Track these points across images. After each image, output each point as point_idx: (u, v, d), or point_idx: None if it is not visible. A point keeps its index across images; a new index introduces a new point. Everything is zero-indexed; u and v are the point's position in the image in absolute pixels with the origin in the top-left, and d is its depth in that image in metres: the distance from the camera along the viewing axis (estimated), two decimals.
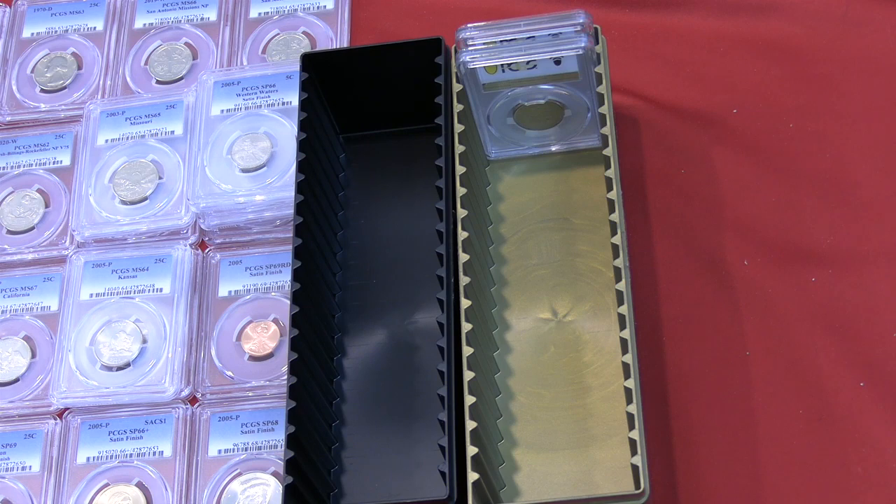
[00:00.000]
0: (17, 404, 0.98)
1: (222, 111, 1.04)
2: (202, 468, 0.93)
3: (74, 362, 0.97)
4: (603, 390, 0.89)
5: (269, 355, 0.97)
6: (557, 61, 0.91)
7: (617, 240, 0.87)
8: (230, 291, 0.99)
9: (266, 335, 0.97)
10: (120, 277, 1.00)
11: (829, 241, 0.94)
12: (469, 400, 0.83)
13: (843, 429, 0.88)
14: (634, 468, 0.81)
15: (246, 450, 0.94)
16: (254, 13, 1.11)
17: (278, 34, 1.10)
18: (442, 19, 1.08)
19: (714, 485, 0.88)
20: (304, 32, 1.09)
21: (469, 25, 0.91)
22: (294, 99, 1.04)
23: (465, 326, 0.86)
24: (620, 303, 0.86)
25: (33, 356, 0.99)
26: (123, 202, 1.03)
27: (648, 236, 0.96)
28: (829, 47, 1.02)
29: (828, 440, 0.88)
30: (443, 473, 0.83)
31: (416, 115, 0.99)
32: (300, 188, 0.92)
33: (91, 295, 1.00)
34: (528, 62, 0.91)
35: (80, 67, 1.11)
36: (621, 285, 0.86)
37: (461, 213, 0.90)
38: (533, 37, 0.90)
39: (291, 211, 0.94)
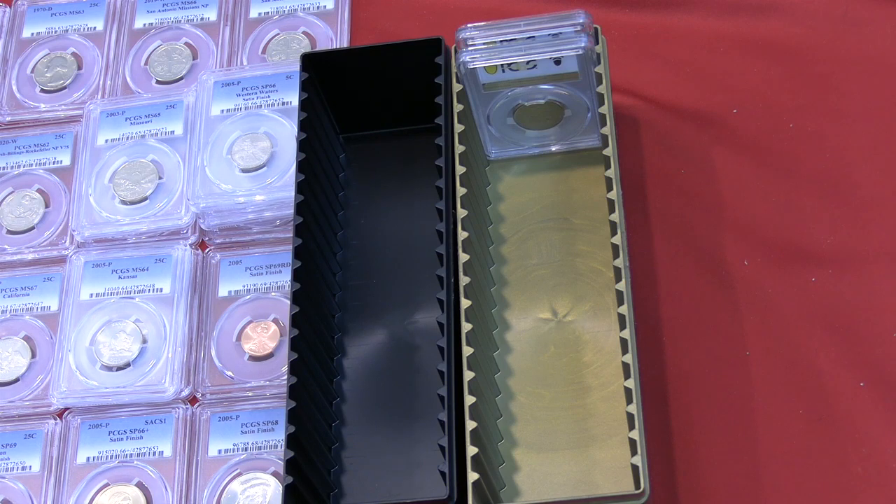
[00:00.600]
0: (17, 404, 0.98)
1: (222, 111, 1.04)
2: (202, 468, 0.93)
3: (74, 362, 0.97)
4: (603, 390, 0.89)
5: (269, 355, 0.97)
6: (557, 61, 0.91)
7: (617, 240, 0.87)
8: (230, 291, 0.99)
9: (266, 335, 0.97)
10: (120, 277, 1.00)
11: (829, 241, 0.94)
12: (469, 400, 0.83)
13: (843, 429, 0.88)
14: (634, 468, 0.81)
15: (246, 450, 0.94)
16: (254, 13, 1.11)
17: (278, 34, 1.10)
18: (442, 19, 1.08)
19: (714, 485, 0.88)
20: (304, 32, 1.09)
21: (469, 25, 0.91)
22: (294, 99, 1.04)
23: (465, 326, 0.86)
24: (620, 303, 0.86)
25: (33, 356, 0.99)
26: (123, 202, 1.03)
27: (648, 236, 0.96)
28: (829, 47, 1.02)
29: (828, 440, 0.88)
30: (443, 473, 0.83)
31: (416, 115, 0.99)
32: (300, 188, 0.92)
33: (91, 295, 1.00)
34: (528, 62, 0.91)
35: (80, 67, 1.11)
36: (621, 285, 0.86)
37: (461, 213, 0.90)
38: (533, 37, 0.90)
39: (291, 211, 0.94)
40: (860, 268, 0.93)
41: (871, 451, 0.87)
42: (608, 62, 0.94)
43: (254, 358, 0.97)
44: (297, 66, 1.01)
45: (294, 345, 0.87)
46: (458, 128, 0.93)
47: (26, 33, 1.13)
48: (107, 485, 0.94)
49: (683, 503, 0.87)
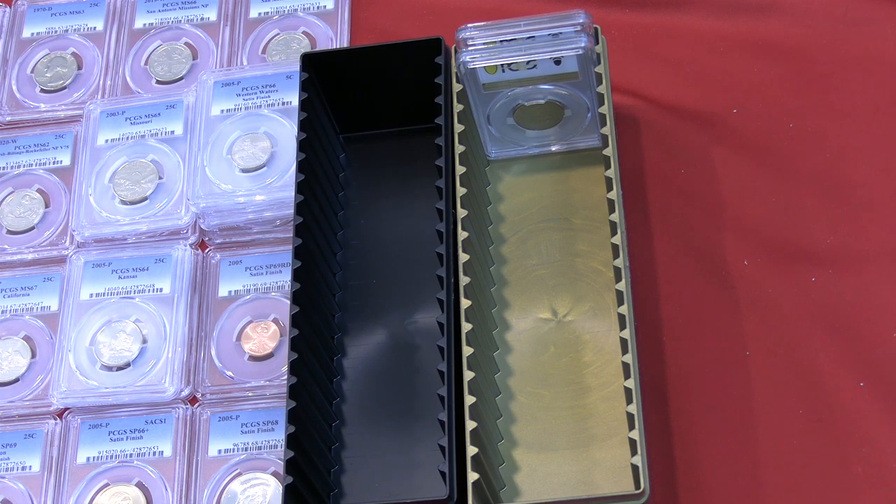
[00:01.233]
0: (17, 404, 0.98)
1: (222, 111, 1.04)
2: (202, 468, 0.93)
3: (74, 362, 0.97)
4: (603, 390, 0.89)
5: (269, 355, 0.97)
6: (557, 61, 0.91)
7: (617, 240, 0.87)
8: (230, 291, 0.99)
9: (266, 335, 0.97)
10: (120, 277, 1.00)
11: (829, 241, 0.94)
12: (469, 400, 0.83)
13: (843, 429, 0.88)
14: (634, 468, 0.81)
15: (246, 450, 0.94)
16: (254, 13, 1.11)
17: (278, 34, 1.10)
18: (442, 19, 1.08)
19: (714, 485, 0.88)
20: (304, 32, 1.09)
21: (469, 25, 0.91)
22: (294, 99, 1.04)
23: (465, 326, 0.86)
24: (620, 303, 0.86)
25: (33, 356, 0.99)
26: (123, 202, 1.03)
27: (648, 236, 0.96)
28: (829, 47, 1.02)
29: (828, 440, 0.88)
30: (443, 473, 0.83)
31: (416, 115, 0.99)
32: (300, 188, 0.92)
33: (91, 295, 1.00)
34: (528, 62, 0.91)
35: (80, 67, 1.11)
36: (621, 285, 0.86)
37: (461, 213, 0.90)
38: (533, 37, 0.90)
39: (291, 211, 0.94)
40: (860, 268, 0.93)
41: (871, 451, 0.87)
42: (608, 62, 0.94)
43: (254, 358, 0.97)
44: (297, 66, 1.01)
45: (294, 345, 0.87)
46: (458, 128, 0.93)
47: (26, 33, 1.13)
48: (107, 485, 0.94)
49: (683, 503, 0.87)
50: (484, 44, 0.90)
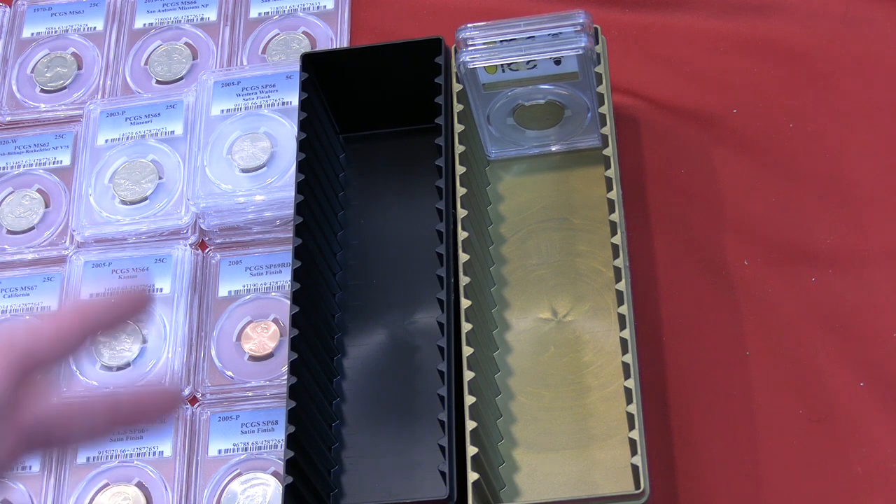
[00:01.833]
0: None
1: (222, 111, 1.04)
2: (202, 468, 0.93)
3: (74, 362, 0.97)
4: (603, 390, 0.89)
5: (269, 355, 0.97)
6: (557, 61, 0.91)
7: (617, 240, 0.87)
8: (230, 291, 0.99)
9: (266, 335, 0.97)
10: (120, 278, 1.00)
11: (829, 241, 0.94)
12: (469, 400, 0.83)
13: (843, 429, 0.88)
14: (634, 468, 0.81)
15: (246, 450, 0.94)
16: (254, 13, 1.11)
17: (278, 34, 1.10)
18: (442, 19, 1.08)
19: (714, 485, 0.87)
20: (304, 32, 1.09)
21: (469, 25, 0.91)
22: (294, 99, 1.04)
23: (465, 326, 0.86)
24: (620, 303, 0.86)
25: None
26: (123, 202, 1.03)
27: (648, 236, 0.96)
28: (829, 47, 1.02)
29: (828, 440, 0.88)
30: (443, 473, 0.83)
31: (416, 115, 0.99)
32: (300, 188, 0.92)
33: (91, 295, 1.00)
34: (528, 62, 0.91)
35: (80, 67, 1.11)
36: (621, 285, 0.86)
37: (461, 213, 0.90)
38: (533, 37, 0.90)
39: (291, 211, 0.94)
40: (860, 268, 0.93)
41: (871, 451, 0.87)
42: (608, 62, 0.94)
43: (254, 358, 0.97)
44: (297, 66, 1.01)
45: (294, 345, 0.87)
46: (458, 128, 0.93)
47: (26, 33, 1.13)
48: (107, 485, 0.94)
49: (683, 503, 0.87)
50: (484, 44, 0.90)
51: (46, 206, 1.05)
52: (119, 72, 1.10)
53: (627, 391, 0.83)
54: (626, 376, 0.83)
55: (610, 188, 0.89)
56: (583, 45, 0.89)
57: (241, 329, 0.98)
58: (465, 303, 0.86)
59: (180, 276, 1.00)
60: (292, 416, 0.85)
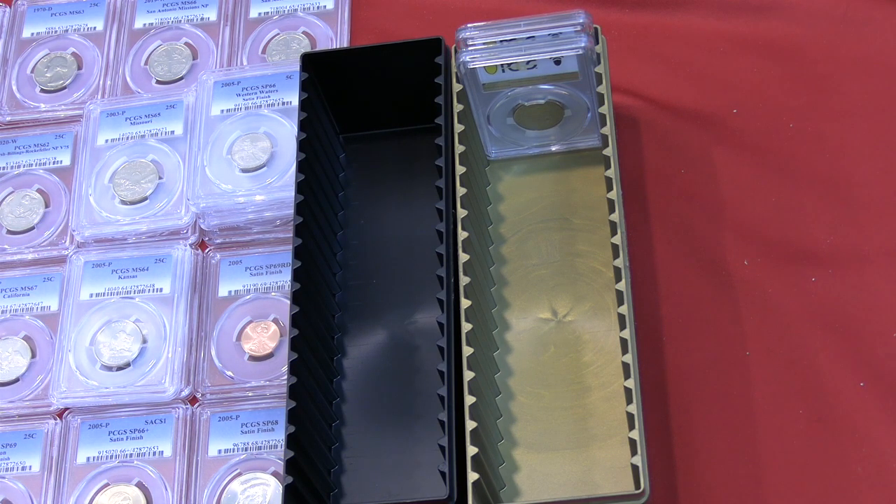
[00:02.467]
0: (17, 404, 0.98)
1: (222, 111, 1.04)
2: (202, 468, 0.93)
3: (74, 362, 0.97)
4: (603, 390, 0.89)
5: (269, 355, 0.97)
6: (557, 61, 0.91)
7: (617, 240, 0.87)
8: (230, 291, 0.99)
9: (266, 335, 0.97)
10: (120, 277, 1.00)
11: (829, 241, 0.94)
12: (469, 400, 0.83)
13: (843, 429, 0.88)
14: (634, 468, 0.81)
15: (246, 450, 0.94)
16: (254, 13, 1.11)
17: (278, 34, 1.10)
18: (442, 19, 1.08)
19: (714, 485, 0.88)
20: (304, 32, 1.09)
21: (469, 25, 0.91)
22: (294, 99, 1.04)
23: (465, 326, 0.86)
24: (620, 303, 0.86)
25: (33, 356, 0.99)
26: (123, 202, 1.03)
27: (648, 236, 0.96)
28: (829, 47, 1.02)
29: (828, 440, 0.88)
30: (443, 473, 0.83)
31: (416, 115, 0.99)
32: (300, 188, 0.92)
33: (91, 295, 1.00)
34: (528, 62, 0.91)
35: (80, 67, 1.11)
36: (621, 285, 0.86)
37: (461, 213, 0.90)
38: (533, 37, 0.90)
39: (291, 211, 0.94)
40: (860, 268, 0.93)
41: (871, 451, 0.87)
42: (608, 62, 0.94)
43: (254, 358, 0.97)
44: (297, 66, 1.01)
45: (294, 345, 0.87)
46: (458, 128, 0.93)
47: (26, 33, 1.13)
48: (107, 485, 0.94)
49: (683, 503, 0.87)
50: (484, 44, 0.90)
51: (46, 206, 1.05)
52: (119, 72, 1.10)
53: (627, 391, 0.83)
54: (626, 376, 0.83)
55: (610, 188, 0.89)
56: (583, 45, 0.89)
57: (241, 329, 0.98)
58: (465, 303, 0.86)
59: (180, 276, 1.00)
60: (292, 416, 0.85)
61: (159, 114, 1.06)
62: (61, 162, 1.07)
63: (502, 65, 0.91)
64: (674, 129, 1.00)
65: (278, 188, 1.00)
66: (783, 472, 0.87)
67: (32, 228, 1.04)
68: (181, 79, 1.09)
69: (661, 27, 1.05)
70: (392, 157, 1.01)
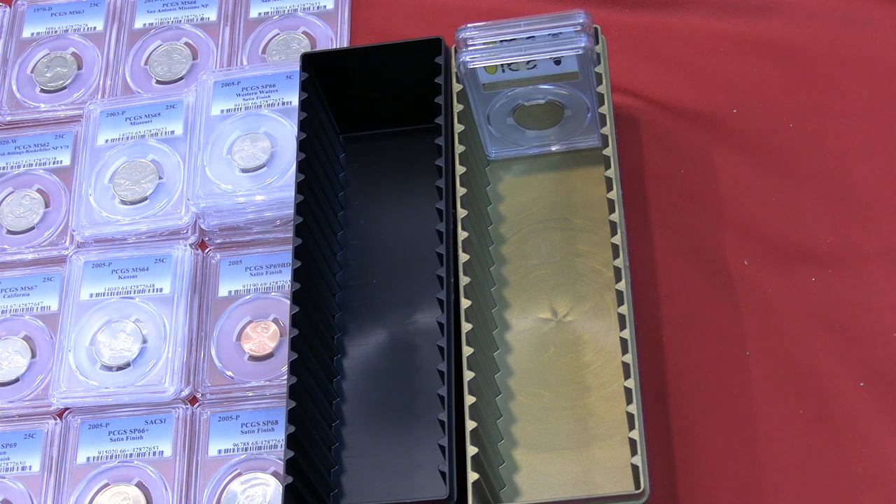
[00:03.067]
0: (17, 404, 0.98)
1: (222, 111, 1.04)
2: (202, 468, 0.93)
3: (74, 362, 0.97)
4: (603, 390, 0.89)
5: (269, 355, 0.97)
6: (557, 61, 0.91)
7: (617, 240, 0.87)
8: (230, 291, 0.99)
9: (266, 335, 0.97)
10: (120, 277, 1.00)
11: (829, 241, 0.94)
12: (469, 400, 0.83)
13: (843, 429, 0.88)
14: (634, 468, 0.81)
15: (246, 450, 0.94)
16: (254, 13, 1.11)
17: (278, 34, 1.10)
18: (442, 19, 1.08)
19: (714, 485, 0.88)
20: (304, 32, 1.09)
21: (469, 25, 0.91)
22: (294, 99, 1.04)
23: (465, 326, 0.86)
24: (620, 303, 0.86)
25: (33, 356, 0.99)
26: (123, 202, 1.03)
27: (648, 236, 0.96)
28: (829, 47, 1.02)
29: (828, 440, 0.88)
30: (443, 473, 0.83)
31: (416, 115, 0.99)
32: (300, 188, 0.92)
33: (91, 295, 1.00)
34: (528, 62, 0.91)
35: (80, 67, 1.11)
36: (621, 285, 0.86)
37: (461, 213, 0.90)
38: (533, 37, 0.90)
39: (291, 211, 0.94)
40: (860, 268, 0.93)
41: (871, 451, 0.87)
42: (608, 62, 0.94)
43: (254, 358, 0.97)
44: (297, 66, 1.01)
45: (294, 345, 0.87)
46: (458, 128, 0.93)
47: (26, 33, 1.13)
48: (107, 485, 0.94)
49: (683, 503, 0.87)
50: (484, 44, 0.90)
51: (46, 206, 1.05)
52: (119, 72, 1.10)
53: (627, 391, 0.83)
54: (626, 376, 0.83)
55: (610, 188, 0.89)
56: (583, 45, 0.89)
57: (241, 329, 0.98)
58: (465, 303, 0.86)
59: (180, 276, 1.00)
60: (292, 416, 0.85)
61: (159, 114, 1.06)
62: (61, 162, 1.07)
63: (502, 65, 0.91)
64: (674, 129, 1.00)
65: (278, 188, 1.00)
66: (783, 472, 0.87)
67: (32, 228, 1.04)
68: (181, 79, 1.09)
69: (660, 27, 1.05)
70: (392, 157, 1.01)
